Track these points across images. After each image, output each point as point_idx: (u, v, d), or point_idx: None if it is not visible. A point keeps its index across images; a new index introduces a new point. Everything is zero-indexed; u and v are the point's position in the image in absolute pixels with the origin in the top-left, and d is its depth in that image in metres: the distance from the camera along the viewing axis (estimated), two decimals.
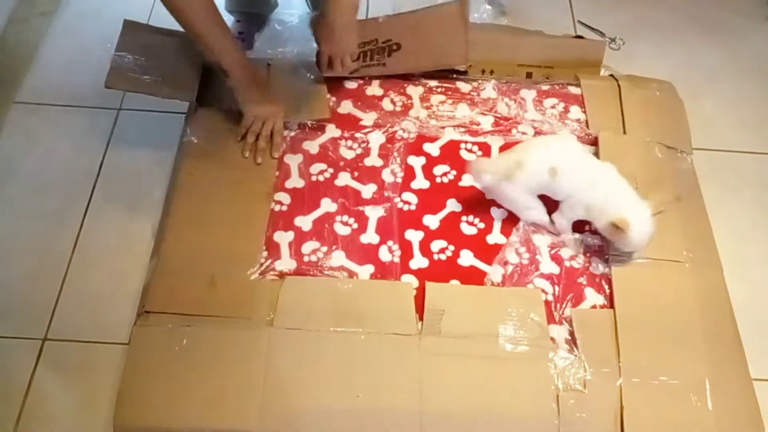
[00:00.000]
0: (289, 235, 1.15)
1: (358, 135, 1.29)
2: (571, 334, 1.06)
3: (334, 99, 1.34)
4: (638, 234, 1.08)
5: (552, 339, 1.06)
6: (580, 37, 1.52)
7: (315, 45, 1.29)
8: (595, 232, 1.18)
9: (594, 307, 1.10)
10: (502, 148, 1.28)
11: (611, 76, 1.43)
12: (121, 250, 1.24)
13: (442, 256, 1.15)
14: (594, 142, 1.29)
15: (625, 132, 1.31)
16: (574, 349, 1.05)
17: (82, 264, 1.23)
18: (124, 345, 1.09)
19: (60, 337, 1.14)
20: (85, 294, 1.19)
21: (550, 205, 1.18)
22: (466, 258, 1.15)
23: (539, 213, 1.17)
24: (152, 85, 1.26)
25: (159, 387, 0.99)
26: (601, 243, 1.16)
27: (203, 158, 1.22)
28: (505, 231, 1.18)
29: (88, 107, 1.44)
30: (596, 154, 1.26)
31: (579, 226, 1.18)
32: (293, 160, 1.25)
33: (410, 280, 1.12)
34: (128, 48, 1.28)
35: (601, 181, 1.13)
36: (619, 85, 1.38)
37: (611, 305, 1.10)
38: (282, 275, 1.10)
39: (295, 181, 1.22)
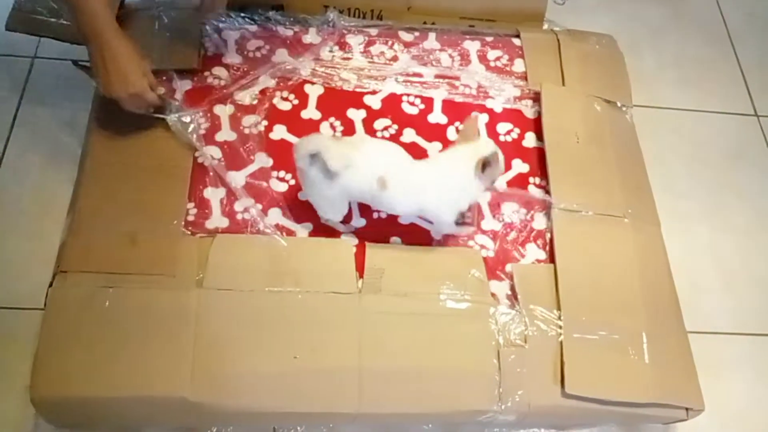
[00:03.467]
0: (221, 192, 1.09)
1: (294, 85, 1.22)
2: (512, 289, 1.05)
3: (268, 47, 1.26)
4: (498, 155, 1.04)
5: (493, 295, 1.04)
6: None
7: None
8: (539, 186, 1.16)
9: (536, 262, 1.09)
10: (446, 102, 1.24)
11: (551, 30, 1.40)
12: (38, 210, 1.17)
13: (383, 215, 1.11)
14: (533, 97, 1.27)
15: (564, 86, 1.29)
16: (515, 304, 1.04)
17: None
18: (42, 310, 1.01)
19: None
20: None
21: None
22: (407, 216, 1.11)
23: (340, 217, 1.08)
24: (59, 28, 1.14)
25: (79, 354, 0.92)
26: (543, 198, 1.15)
27: (120, 110, 1.11)
28: None
29: None
30: (537, 108, 1.24)
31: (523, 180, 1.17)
32: (224, 111, 1.17)
33: (350, 239, 1.08)
34: None
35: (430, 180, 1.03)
36: (558, 39, 1.35)
37: (552, 260, 1.09)
38: (213, 233, 1.04)
39: (226, 134, 1.15)
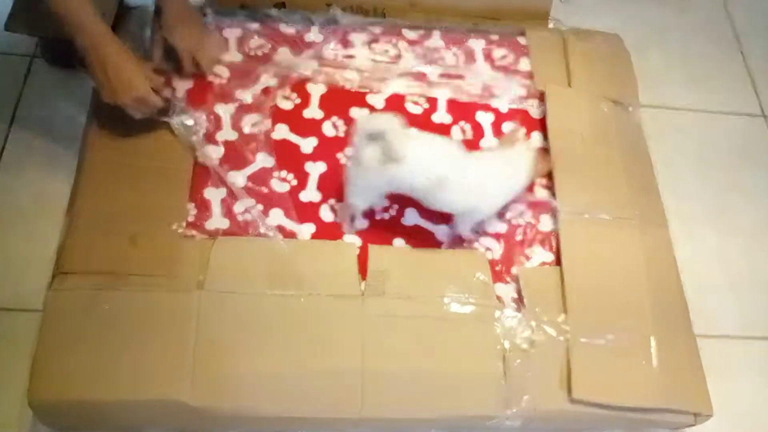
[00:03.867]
0: (221, 192, 1.07)
1: (296, 84, 1.20)
2: (518, 292, 1.04)
3: (269, 46, 1.24)
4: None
5: (498, 298, 1.03)
6: None
7: None
8: (545, 187, 1.15)
9: (542, 264, 1.08)
10: (450, 102, 1.23)
11: (557, 29, 1.39)
12: (37, 210, 1.15)
13: (386, 216, 1.10)
14: (539, 96, 1.25)
15: (570, 86, 1.27)
16: (521, 307, 1.02)
17: None
18: (41, 312, 0.99)
19: None
20: None
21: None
22: (411, 217, 1.10)
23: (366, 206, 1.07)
24: (59, 28, 1.11)
25: (78, 357, 0.91)
26: (549, 200, 1.13)
27: (119, 110, 1.09)
28: None
29: None
30: (543, 108, 1.23)
31: None
32: (225, 111, 1.15)
33: (353, 240, 1.06)
34: None
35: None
36: (564, 38, 1.33)
37: (558, 263, 1.07)
38: (213, 234, 1.02)
39: (227, 134, 1.13)
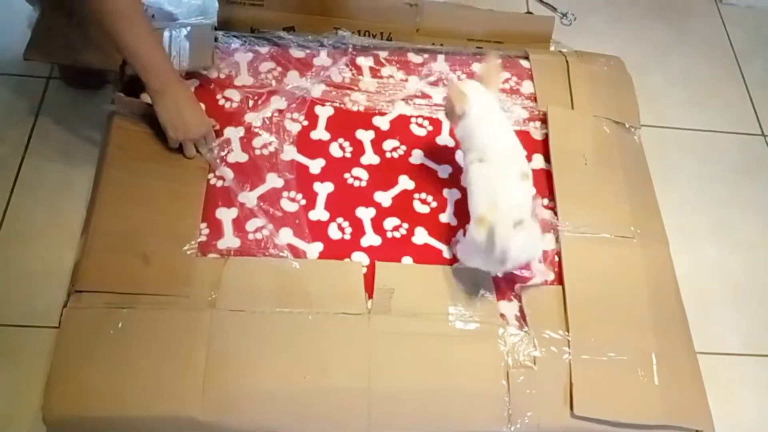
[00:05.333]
0: (232, 212, 1.10)
1: (305, 107, 1.24)
2: (521, 310, 1.06)
3: (279, 69, 1.28)
4: None
5: (502, 315, 1.05)
6: (531, 13, 1.50)
7: None
8: (547, 207, 1.17)
9: (544, 283, 1.09)
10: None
11: (559, 51, 1.42)
12: (52, 228, 1.17)
13: (396, 234, 1.12)
14: (542, 118, 1.28)
15: (573, 107, 1.30)
16: (524, 325, 1.04)
17: (8, 243, 1.15)
18: (56, 329, 1.02)
19: None
20: (12, 275, 1.12)
21: None
22: (421, 236, 1.13)
23: None
24: (75, 56, 1.17)
25: (92, 373, 0.93)
26: (551, 219, 1.16)
27: (133, 131, 1.14)
28: (458, 211, 1.16)
29: (14, 75, 1.34)
30: (545, 130, 1.26)
31: None
32: (234, 133, 1.19)
33: (361, 258, 1.08)
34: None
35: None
36: (567, 61, 1.36)
37: (560, 281, 1.09)
38: (225, 254, 1.05)
39: (238, 155, 1.16)
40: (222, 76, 1.25)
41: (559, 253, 1.12)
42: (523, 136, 1.26)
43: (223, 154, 1.16)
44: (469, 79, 1.25)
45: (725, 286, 1.31)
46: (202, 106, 1.16)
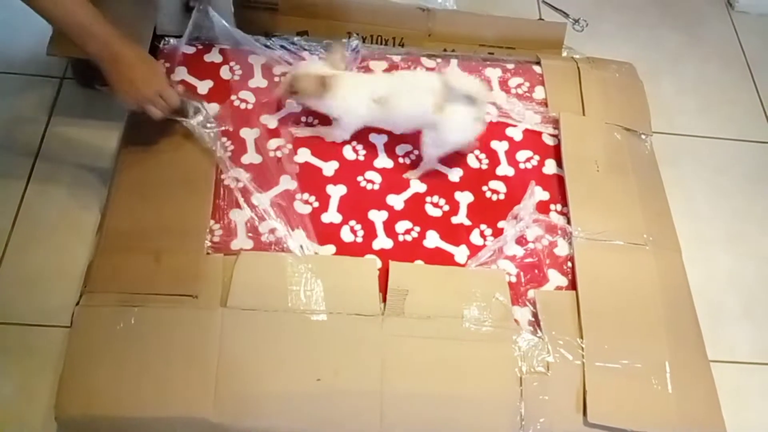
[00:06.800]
0: (246, 214, 1.10)
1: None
2: (535, 315, 1.05)
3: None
4: None
5: (516, 321, 1.04)
6: (543, 19, 1.50)
7: None
8: (561, 213, 1.17)
9: (558, 288, 1.09)
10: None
11: (571, 57, 1.42)
12: (65, 227, 1.17)
13: (408, 237, 1.12)
14: (554, 124, 1.28)
15: (584, 113, 1.30)
16: (538, 330, 1.03)
17: (22, 242, 1.15)
18: (68, 328, 1.01)
19: None
20: (25, 274, 1.12)
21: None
22: (432, 239, 1.12)
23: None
24: None
25: (104, 373, 0.93)
26: (564, 225, 1.15)
27: (148, 131, 1.14)
28: (471, 214, 1.16)
29: (29, 75, 1.35)
30: (557, 136, 1.26)
31: (544, 207, 1.18)
32: (249, 135, 1.19)
33: (374, 260, 1.08)
34: None
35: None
36: (578, 67, 1.36)
37: (574, 287, 1.09)
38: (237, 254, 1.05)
39: (252, 157, 1.17)
40: (236, 78, 1.26)
41: (572, 259, 1.11)
42: (535, 142, 1.27)
43: (231, 153, 1.16)
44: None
45: (738, 294, 1.30)
46: (160, 63, 1.12)
